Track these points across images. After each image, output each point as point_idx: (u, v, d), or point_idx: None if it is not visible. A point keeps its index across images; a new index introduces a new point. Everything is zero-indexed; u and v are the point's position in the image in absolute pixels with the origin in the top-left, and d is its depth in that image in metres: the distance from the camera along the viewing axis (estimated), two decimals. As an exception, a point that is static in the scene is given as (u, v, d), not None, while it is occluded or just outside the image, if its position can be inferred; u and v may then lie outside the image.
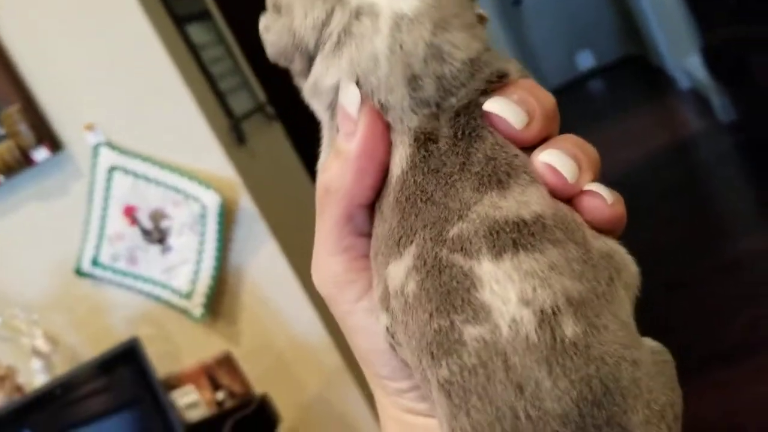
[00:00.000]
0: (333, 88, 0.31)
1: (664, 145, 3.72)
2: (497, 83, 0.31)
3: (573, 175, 0.30)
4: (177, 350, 1.80)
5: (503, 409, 0.27)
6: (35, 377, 1.66)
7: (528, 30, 5.84)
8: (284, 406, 1.70)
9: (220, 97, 1.82)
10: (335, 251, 0.33)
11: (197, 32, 1.86)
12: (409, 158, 0.30)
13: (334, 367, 1.78)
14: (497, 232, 0.28)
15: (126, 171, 1.72)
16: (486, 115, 0.30)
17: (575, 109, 4.96)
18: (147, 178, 1.71)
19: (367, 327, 0.33)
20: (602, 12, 5.73)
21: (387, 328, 0.31)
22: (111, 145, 1.71)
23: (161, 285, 1.76)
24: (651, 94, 4.78)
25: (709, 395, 1.84)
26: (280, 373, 1.79)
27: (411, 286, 0.29)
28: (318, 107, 0.33)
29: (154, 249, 1.75)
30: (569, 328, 0.27)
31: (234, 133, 1.80)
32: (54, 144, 1.71)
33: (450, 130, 0.30)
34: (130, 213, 1.74)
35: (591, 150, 0.31)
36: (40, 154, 1.70)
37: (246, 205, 1.72)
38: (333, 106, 0.32)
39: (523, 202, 0.29)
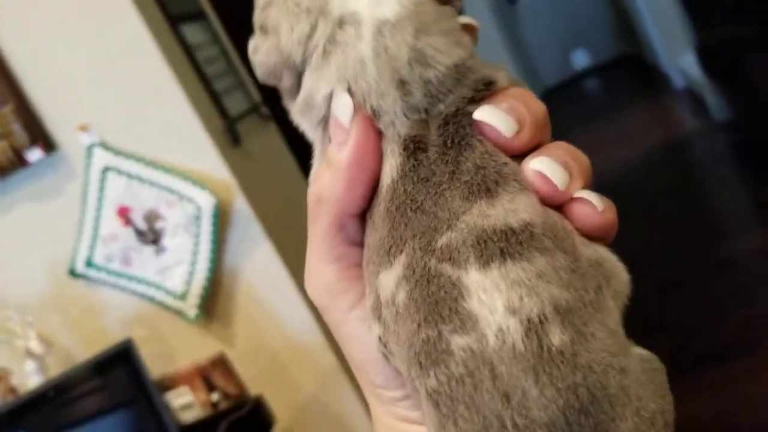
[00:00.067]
0: (326, 99, 0.31)
1: (659, 144, 3.72)
2: (485, 91, 0.31)
3: (563, 183, 0.30)
4: (171, 351, 1.80)
5: (490, 418, 0.27)
6: (29, 379, 1.65)
7: (523, 29, 5.85)
8: (279, 407, 1.70)
9: (215, 97, 1.82)
10: (327, 260, 0.33)
11: (192, 32, 1.86)
12: (399, 167, 0.30)
13: (329, 368, 1.78)
14: (485, 242, 0.28)
15: (120, 171, 1.71)
16: (475, 124, 0.30)
17: (570, 108, 4.96)
18: (141, 179, 1.71)
19: (361, 336, 0.33)
20: (597, 11, 5.74)
21: (379, 338, 0.31)
22: (105, 146, 1.71)
23: (155, 286, 1.76)
24: (646, 93, 4.79)
25: (703, 395, 1.84)
26: (275, 374, 1.79)
27: (401, 296, 0.29)
28: (308, 126, 0.33)
29: (149, 250, 1.74)
30: (556, 336, 0.27)
31: (229, 133, 1.79)
32: (48, 144, 1.71)
33: (439, 138, 0.30)
34: (124, 214, 1.73)
35: (582, 157, 0.31)
36: (34, 154, 1.70)
37: (241, 206, 1.72)
38: (326, 119, 0.32)
39: (512, 210, 0.29)
